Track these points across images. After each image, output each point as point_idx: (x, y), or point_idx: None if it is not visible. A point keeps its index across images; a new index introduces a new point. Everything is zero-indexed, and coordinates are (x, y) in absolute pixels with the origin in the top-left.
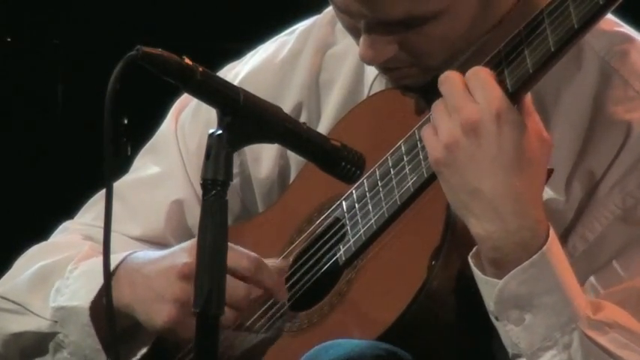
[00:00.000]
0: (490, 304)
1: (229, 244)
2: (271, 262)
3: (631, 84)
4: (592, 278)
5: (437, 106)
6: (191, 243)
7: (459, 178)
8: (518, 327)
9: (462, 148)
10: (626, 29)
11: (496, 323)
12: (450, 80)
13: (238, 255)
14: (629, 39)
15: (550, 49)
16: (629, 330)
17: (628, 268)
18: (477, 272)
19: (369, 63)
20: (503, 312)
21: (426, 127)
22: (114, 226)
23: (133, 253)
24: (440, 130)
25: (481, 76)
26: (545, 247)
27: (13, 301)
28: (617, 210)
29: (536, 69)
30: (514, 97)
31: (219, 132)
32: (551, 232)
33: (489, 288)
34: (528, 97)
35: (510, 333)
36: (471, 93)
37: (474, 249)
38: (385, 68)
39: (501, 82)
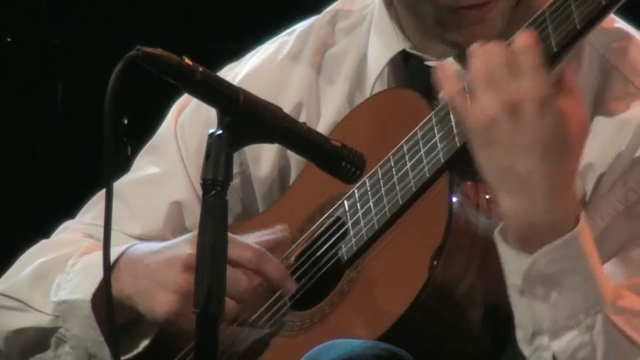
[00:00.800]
0: (517, 279)
1: (231, 236)
2: (267, 233)
3: (631, 80)
4: None
5: (478, 72)
6: (194, 234)
7: (494, 154)
8: (544, 304)
9: (500, 126)
10: (624, 25)
11: (519, 299)
12: (495, 52)
13: (240, 246)
14: (627, 35)
15: (601, 3)
16: None
17: (633, 262)
18: (505, 247)
19: None
20: (530, 288)
21: (456, 96)
22: (114, 224)
23: (133, 245)
24: (479, 101)
25: (531, 55)
26: (577, 229)
27: (14, 298)
28: (620, 206)
29: (583, 25)
30: (557, 56)
31: (219, 132)
32: (582, 215)
33: (518, 263)
34: (571, 74)
35: (535, 309)
36: (516, 67)
37: (501, 225)
38: (472, 5)
39: (545, 43)
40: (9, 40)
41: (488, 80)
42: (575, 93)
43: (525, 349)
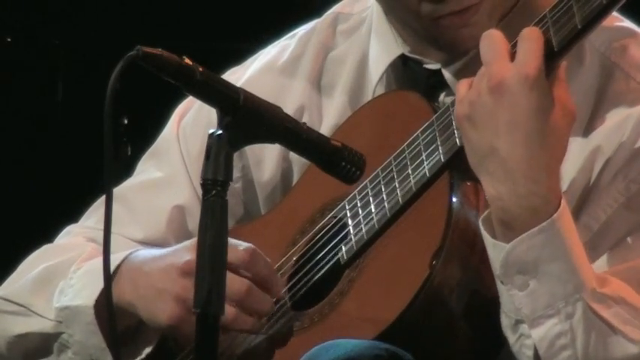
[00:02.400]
0: (497, 267)
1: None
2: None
3: (632, 76)
4: (596, 262)
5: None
6: (193, 241)
7: (477, 134)
8: (522, 292)
9: (483, 103)
10: (627, 24)
11: (501, 287)
12: (489, 36)
13: (231, 246)
14: (629, 33)
15: (602, 2)
16: (634, 306)
17: (632, 251)
18: (485, 235)
19: None
20: (509, 276)
21: (461, 81)
22: (116, 228)
23: (134, 252)
24: (473, 86)
25: (535, 43)
26: (555, 215)
27: (17, 303)
28: (621, 197)
29: (585, 24)
30: (558, 55)
31: (220, 132)
32: (563, 202)
33: (497, 251)
34: (564, 64)
35: (514, 298)
36: (512, 55)
37: (485, 212)
38: (453, 12)
39: (546, 43)
40: (9, 40)
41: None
42: (563, 84)
43: (510, 336)
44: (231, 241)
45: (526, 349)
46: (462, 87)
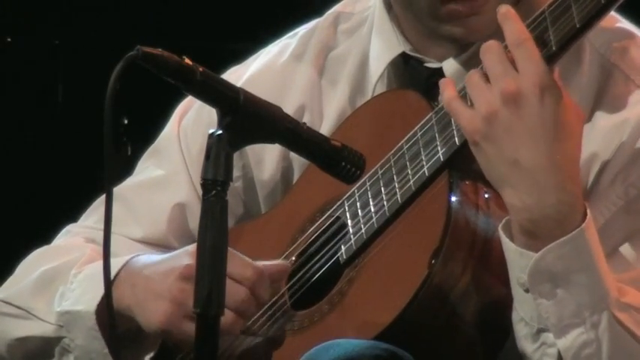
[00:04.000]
0: (521, 275)
1: (233, 251)
2: (273, 263)
3: (632, 79)
4: None
5: (472, 77)
6: (194, 246)
7: (497, 149)
8: (550, 301)
9: (502, 118)
10: (627, 25)
11: (524, 295)
12: (492, 49)
13: (243, 264)
14: (629, 35)
15: (600, 1)
16: None
17: (633, 256)
18: (508, 243)
19: None
20: (536, 285)
21: (454, 100)
22: (116, 228)
23: (135, 257)
24: (477, 101)
25: (528, 46)
26: (584, 225)
27: (17, 306)
28: (620, 201)
29: (584, 23)
30: (557, 55)
31: (220, 132)
32: (588, 210)
33: (523, 259)
34: (557, 74)
35: (540, 306)
36: (514, 62)
37: (504, 220)
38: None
39: (545, 42)
40: (9, 40)
41: (484, 79)
42: (565, 90)
43: (528, 346)
44: (242, 257)
45: (548, 358)
46: (459, 107)
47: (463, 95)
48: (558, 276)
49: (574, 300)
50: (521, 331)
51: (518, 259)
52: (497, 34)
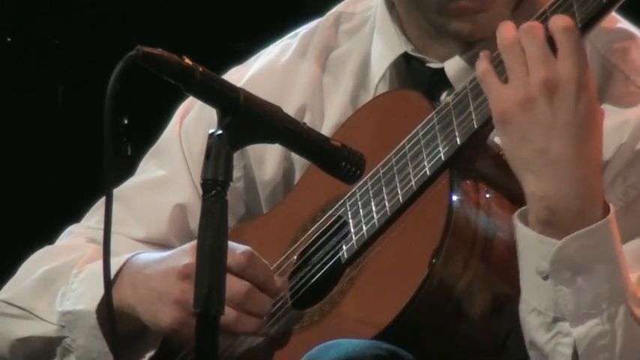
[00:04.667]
0: (541, 263)
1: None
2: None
3: (632, 79)
4: None
5: (515, 54)
6: (192, 244)
7: (526, 135)
8: (569, 288)
9: (538, 107)
10: (627, 25)
11: (540, 283)
12: (534, 32)
13: (229, 249)
14: (629, 36)
15: (602, 1)
16: None
17: (634, 257)
18: (527, 231)
19: None
20: (557, 272)
21: (489, 74)
22: (118, 228)
23: (135, 255)
24: (515, 83)
25: (575, 35)
26: (608, 217)
27: (19, 307)
28: (620, 202)
29: (585, 23)
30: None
31: (220, 132)
32: (611, 205)
33: (543, 246)
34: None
35: (559, 293)
36: (556, 47)
37: (521, 209)
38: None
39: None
40: (9, 40)
41: (526, 60)
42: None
43: (541, 336)
44: (230, 244)
45: (563, 348)
46: (494, 82)
47: (497, 64)
48: (579, 265)
49: (593, 289)
50: (533, 322)
51: (538, 246)
52: (494, 43)
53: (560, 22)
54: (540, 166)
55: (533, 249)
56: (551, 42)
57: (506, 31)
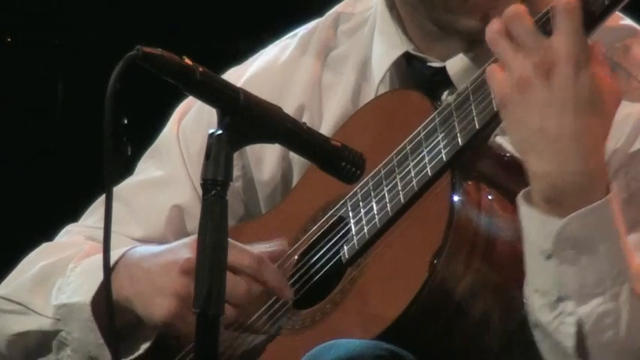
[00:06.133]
0: (544, 242)
1: (231, 241)
2: (267, 246)
3: (634, 76)
4: None
5: (500, 42)
6: (192, 238)
7: (525, 115)
8: (573, 267)
9: (534, 88)
10: (630, 22)
11: (544, 263)
12: (520, 15)
13: (240, 252)
14: (632, 32)
15: (604, 3)
16: None
17: (637, 249)
18: (530, 211)
19: None
20: (560, 251)
21: (492, 65)
22: (116, 227)
23: (133, 248)
24: (510, 67)
25: (575, 14)
26: (610, 196)
27: (16, 302)
28: (622, 194)
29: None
30: (598, 20)
31: (219, 132)
32: (613, 185)
33: (546, 226)
34: (600, 48)
35: (563, 272)
36: (553, 28)
37: (524, 190)
38: None
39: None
40: (9, 40)
41: (516, 45)
42: (606, 66)
43: (545, 316)
44: (241, 246)
45: (567, 327)
46: (494, 70)
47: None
48: (582, 243)
49: (597, 269)
50: (537, 303)
51: (541, 226)
52: None
53: (560, 5)
54: (541, 145)
55: (537, 229)
56: (544, 26)
57: (491, 24)
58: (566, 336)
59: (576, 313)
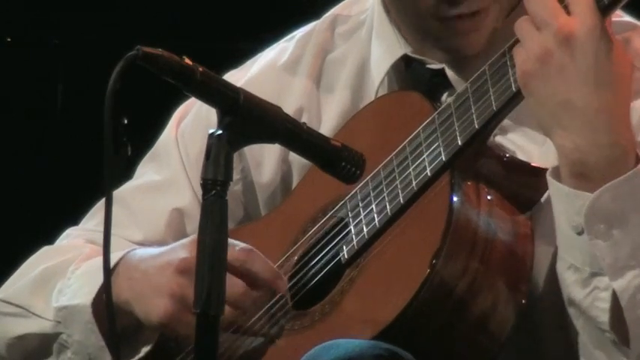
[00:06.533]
0: (575, 217)
1: None
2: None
3: (637, 66)
4: None
5: (522, 24)
6: (190, 239)
7: (549, 89)
8: (606, 242)
9: (555, 58)
10: (629, 18)
11: (576, 239)
12: None
13: (229, 246)
14: (631, 26)
15: (603, 2)
16: None
17: None
18: (560, 186)
19: None
20: (592, 225)
21: (516, 47)
22: (116, 230)
23: (131, 250)
24: (530, 45)
25: None
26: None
27: (16, 305)
28: None
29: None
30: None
31: (220, 132)
32: None
33: (577, 200)
34: (609, 20)
35: (595, 247)
36: (567, 5)
37: (552, 167)
38: (463, 15)
39: None
40: (9, 40)
41: (534, 24)
42: (612, 36)
43: (578, 292)
44: (229, 241)
45: (601, 302)
46: (517, 51)
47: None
48: (614, 216)
49: (630, 240)
50: (570, 278)
51: (572, 201)
52: (491, 48)
53: None
54: (568, 119)
55: (567, 204)
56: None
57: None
58: (602, 311)
59: (611, 288)
